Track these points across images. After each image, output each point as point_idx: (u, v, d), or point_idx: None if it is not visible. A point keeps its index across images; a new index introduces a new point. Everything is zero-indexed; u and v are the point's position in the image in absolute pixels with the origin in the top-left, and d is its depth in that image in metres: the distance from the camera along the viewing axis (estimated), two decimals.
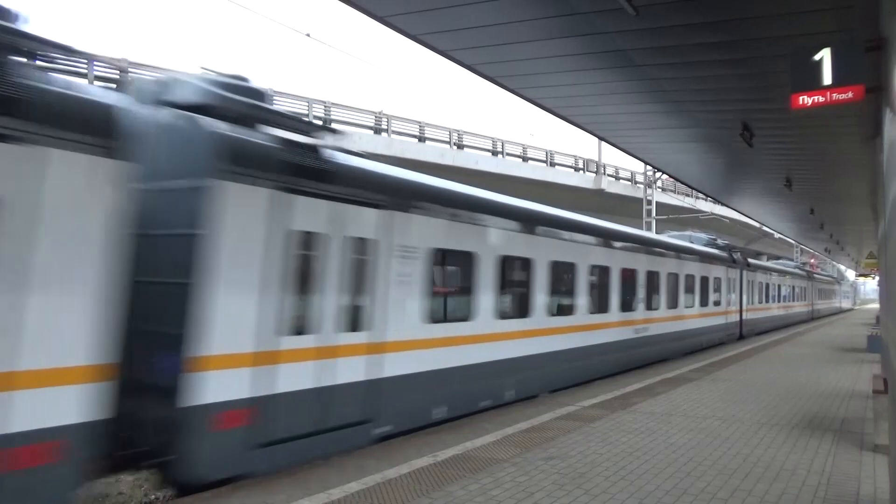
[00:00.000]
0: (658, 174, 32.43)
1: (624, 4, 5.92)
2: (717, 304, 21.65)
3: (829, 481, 6.44)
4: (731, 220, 39.71)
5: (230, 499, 5.80)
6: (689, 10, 6.39)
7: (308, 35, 12.93)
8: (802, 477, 6.57)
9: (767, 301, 29.88)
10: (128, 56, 29.73)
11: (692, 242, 21.69)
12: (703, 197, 37.21)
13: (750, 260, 28.10)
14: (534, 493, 5.87)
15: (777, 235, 41.50)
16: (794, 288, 36.92)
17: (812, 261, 61.08)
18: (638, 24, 6.66)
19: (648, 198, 33.10)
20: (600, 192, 37.64)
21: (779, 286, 32.66)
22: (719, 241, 24.34)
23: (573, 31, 7.11)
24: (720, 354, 18.73)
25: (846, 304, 78.07)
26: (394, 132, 30.08)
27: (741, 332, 25.13)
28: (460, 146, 32.75)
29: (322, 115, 27.78)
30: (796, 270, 39.90)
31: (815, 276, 48.08)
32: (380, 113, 29.79)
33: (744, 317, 25.38)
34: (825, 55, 5.93)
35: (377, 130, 29.52)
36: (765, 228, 35.84)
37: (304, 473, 6.47)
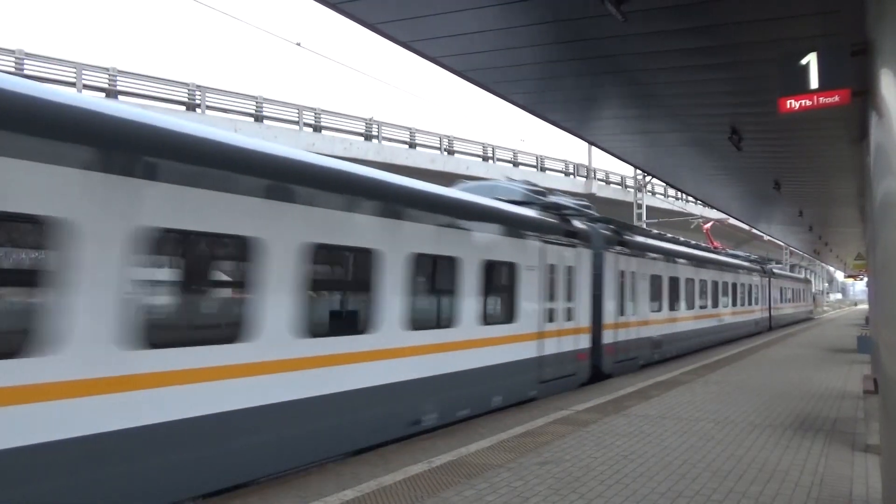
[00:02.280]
0: (648, 178, 32.62)
1: (612, 10, 5.96)
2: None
3: (822, 482, 6.48)
4: (721, 223, 39.95)
5: None
6: (677, 16, 6.46)
7: (299, 44, 12.95)
8: (795, 478, 6.61)
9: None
10: (117, 65, 29.64)
11: None
12: (693, 200, 37.44)
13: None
14: (529, 498, 5.87)
15: (766, 238, 41.77)
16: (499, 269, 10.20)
17: (707, 225, 33.43)
18: (626, 30, 6.72)
19: (639, 202, 33.28)
20: (591, 197, 37.80)
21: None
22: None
23: (562, 37, 7.16)
24: (711, 357, 18.81)
25: (800, 309, 44.32)
26: (384, 138, 30.13)
27: None
28: (451, 152, 32.86)
29: (312, 122, 27.78)
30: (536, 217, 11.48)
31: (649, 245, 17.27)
32: (370, 120, 29.83)
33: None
34: (812, 59, 6.01)
35: (368, 137, 29.56)
36: (754, 231, 36.06)
37: (300, 481, 6.45)
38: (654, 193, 39.68)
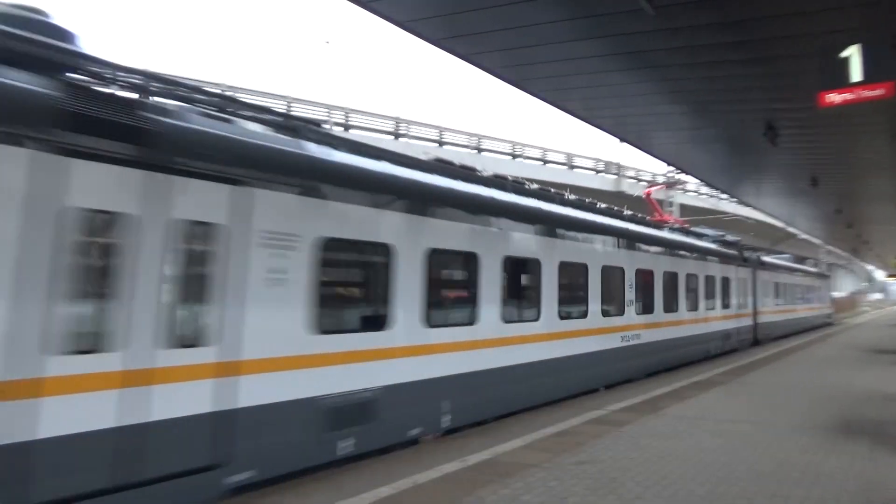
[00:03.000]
0: (680, 175, 32.17)
1: (643, 4, 5.90)
2: None
3: (870, 486, 6.31)
4: (756, 221, 39.24)
5: (262, 501, 5.84)
6: (709, 9, 6.36)
7: (328, 42, 13.03)
8: (841, 482, 6.45)
9: None
10: (147, 68, 30.11)
11: None
12: (727, 198, 36.83)
13: None
14: (566, 497, 5.83)
15: (803, 236, 40.88)
16: None
17: (649, 189, 26.03)
18: (657, 25, 6.64)
19: (670, 199, 32.88)
20: (620, 195, 37.44)
21: None
22: None
23: (593, 32, 7.10)
24: (748, 358, 18.47)
25: (809, 313, 33.38)
26: (413, 137, 30.26)
27: None
28: (479, 150, 32.85)
29: (342, 121, 28.03)
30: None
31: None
32: (399, 118, 30.02)
33: None
34: (853, 52, 5.87)
35: (397, 136, 29.73)
36: (790, 229, 35.34)
37: (338, 477, 6.50)
38: (685, 191, 39.16)
